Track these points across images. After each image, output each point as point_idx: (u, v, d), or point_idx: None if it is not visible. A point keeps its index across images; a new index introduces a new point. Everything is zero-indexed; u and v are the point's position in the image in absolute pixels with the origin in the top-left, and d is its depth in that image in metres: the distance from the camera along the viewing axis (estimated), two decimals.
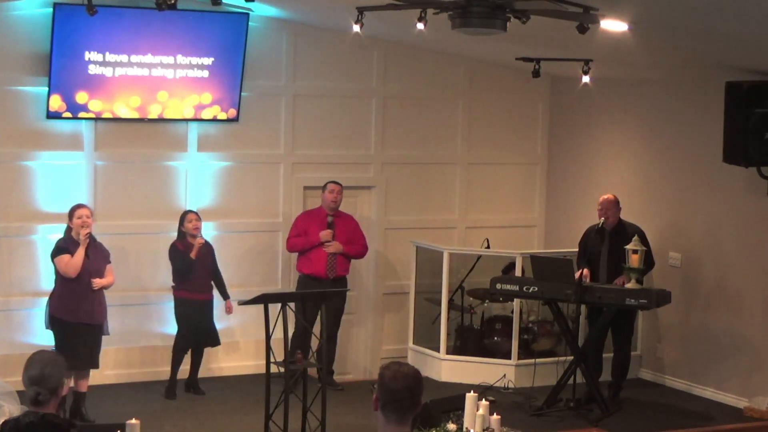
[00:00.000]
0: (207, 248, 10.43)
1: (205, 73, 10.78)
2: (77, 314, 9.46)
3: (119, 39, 10.37)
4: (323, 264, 10.78)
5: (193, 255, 10.22)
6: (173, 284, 10.38)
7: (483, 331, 11.51)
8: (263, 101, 11.31)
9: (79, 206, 9.64)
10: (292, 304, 9.30)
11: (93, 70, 10.32)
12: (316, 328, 9.95)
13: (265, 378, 8.91)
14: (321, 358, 9.44)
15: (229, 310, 10.57)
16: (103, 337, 9.72)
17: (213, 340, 10.50)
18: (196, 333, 10.36)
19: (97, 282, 9.52)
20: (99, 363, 9.70)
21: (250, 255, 11.31)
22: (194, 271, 10.24)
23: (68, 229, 9.61)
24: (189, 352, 10.48)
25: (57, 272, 9.56)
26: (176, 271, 10.30)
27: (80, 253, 9.43)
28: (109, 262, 9.72)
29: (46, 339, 9.86)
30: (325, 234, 10.78)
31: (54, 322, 9.54)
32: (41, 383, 4.86)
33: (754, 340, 10.46)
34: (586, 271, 10.32)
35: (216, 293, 10.48)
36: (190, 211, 10.47)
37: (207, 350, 10.72)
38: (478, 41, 10.01)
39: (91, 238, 9.55)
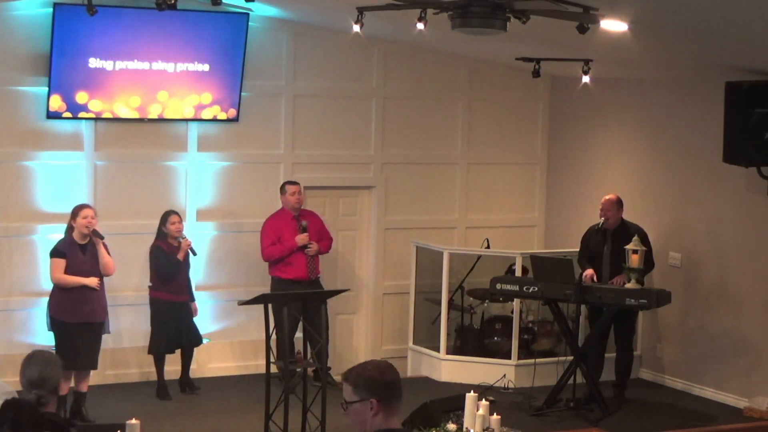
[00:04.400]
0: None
1: (206, 73, 10.78)
2: (77, 314, 9.44)
3: (119, 39, 10.37)
4: (304, 267, 10.74)
5: (180, 256, 10.17)
6: (150, 284, 10.31)
7: (483, 331, 11.51)
8: (263, 101, 11.31)
9: (83, 206, 9.60)
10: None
11: (93, 65, 10.32)
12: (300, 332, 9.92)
13: (265, 378, 8.91)
14: (321, 358, 9.43)
15: (194, 312, 10.50)
16: (103, 337, 9.72)
17: (195, 340, 10.44)
18: (177, 335, 10.28)
19: (96, 281, 9.49)
20: (98, 364, 9.69)
21: (250, 255, 11.29)
22: (179, 273, 10.21)
23: (69, 229, 9.58)
24: (179, 353, 10.45)
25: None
26: (160, 272, 10.21)
27: (75, 281, 9.39)
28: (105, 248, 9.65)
29: (46, 339, 9.87)
30: (302, 238, 10.71)
31: (55, 324, 9.52)
32: (41, 385, 4.86)
33: (754, 340, 10.46)
34: (591, 271, 10.32)
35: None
36: (173, 212, 10.36)
37: (206, 351, 10.72)
38: (478, 41, 10.01)
39: (92, 235, 9.49)
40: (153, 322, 10.30)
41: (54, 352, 5.42)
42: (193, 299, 10.49)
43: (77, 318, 9.44)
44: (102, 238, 9.53)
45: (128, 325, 10.78)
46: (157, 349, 10.29)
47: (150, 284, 10.31)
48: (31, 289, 10.30)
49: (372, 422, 4.02)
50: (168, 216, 10.29)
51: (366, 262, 11.85)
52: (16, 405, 4.57)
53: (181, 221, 10.33)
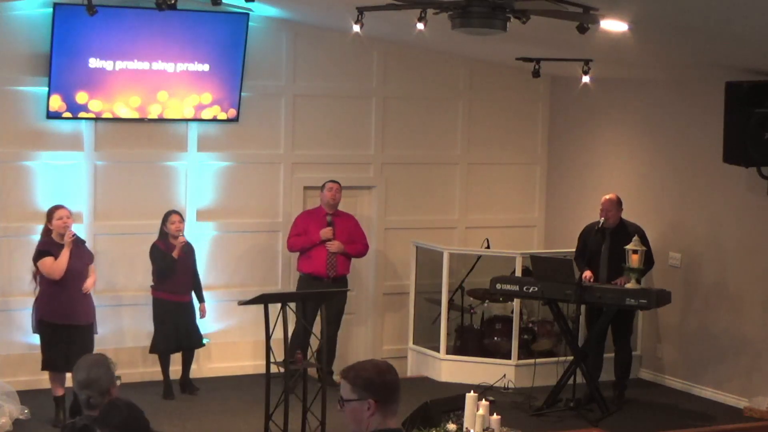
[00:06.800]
0: (188, 249, 10.39)
1: (206, 73, 10.78)
2: (67, 316, 9.37)
3: (119, 39, 10.37)
4: (323, 263, 10.79)
5: (175, 254, 10.15)
6: (152, 284, 10.33)
7: (483, 331, 11.50)
8: (263, 101, 11.32)
9: (57, 207, 9.54)
10: (292, 304, 9.29)
11: (93, 65, 10.32)
12: (316, 328, 9.94)
13: (265, 378, 8.92)
14: (321, 358, 9.44)
15: (203, 313, 10.52)
16: (97, 338, 9.69)
17: (196, 341, 10.45)
18: (176, 335, 10.29)
19: (88, 286, 9.47)
20: None
21: (250, 255, 11.31)
22: (175, 272, 10.21)
23: (46, 231, 9.54)
24: (180, 353, 10.46)
25: (40, 276, 9.47)
26: (158, 271, 10.23)
27: (65, 254, 9.34)
28: (92, 262, 9.65)
29: None
30: (325, 232, 10.79)
31: (43, 325, 9.44)
32: (90, 387, 4.90)
33: (754, 340, 10.46)
34: (589, 273, 10.32)
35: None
36: (174, 212, 10.37)
37: (206, 351, 10.72)
38: (478, 41, 10.01)
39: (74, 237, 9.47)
40: (154, 321, 10.32)
41: (99, 353, 5.43)
42: (201, 300, 10.50)
43: (67, 320, 9.38)
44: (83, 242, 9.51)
45: (129, 325, 10.79)
46: (157, 348, 10.30)
47: (152, 284, 10.32)
48: (30, 289, 10.28)
49: (368, 422, 3.99)
50: (168, 215, 10.30)
51: (366, 262, 11.85)
52: (123, 406, 4.57)
53: (182, 221, 10.32)
